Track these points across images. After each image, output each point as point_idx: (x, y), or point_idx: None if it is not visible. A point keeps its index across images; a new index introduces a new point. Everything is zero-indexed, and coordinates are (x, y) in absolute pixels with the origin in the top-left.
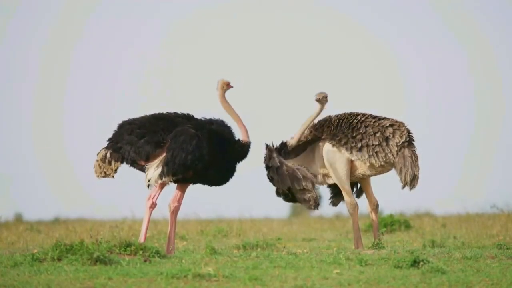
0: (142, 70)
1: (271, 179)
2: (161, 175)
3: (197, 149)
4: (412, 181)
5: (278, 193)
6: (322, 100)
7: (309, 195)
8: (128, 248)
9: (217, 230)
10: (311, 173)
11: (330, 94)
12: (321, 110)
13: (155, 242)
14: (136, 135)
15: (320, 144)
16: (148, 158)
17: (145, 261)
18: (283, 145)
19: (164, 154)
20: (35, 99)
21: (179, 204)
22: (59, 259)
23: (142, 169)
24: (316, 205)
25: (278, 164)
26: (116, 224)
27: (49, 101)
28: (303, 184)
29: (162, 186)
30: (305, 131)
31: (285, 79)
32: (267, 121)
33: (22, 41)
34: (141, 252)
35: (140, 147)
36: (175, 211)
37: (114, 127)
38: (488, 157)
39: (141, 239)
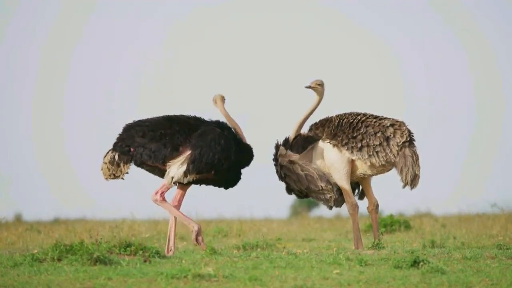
0: (142, 70)
1: (283, 177)
2: (186, 173)
3: (225, 149)
4: (413, 181)
5: (289, 190)
6: (315, 87)
7: (329, 195)
8: (128, 249)
9: (217, 230)
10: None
11: (330, 94)
12: (319, 99)
13: (155, 242)
14: (150, 137)
15: (320, 143)
16: (165, 161)
17: (145, 261)
18: (286, 141)
19: (184, 155)
20: (35, 99)
21: (179, 204)
22: (59, 260)
23: (151, 169)
24: (336, 205)
25: (293, 164)
26: (116, 224)
27: (49, 101)
28: (322, 184)
29: (168, 186)
30: (306, 130)
31: (285, 79)
32: (266, 121)
33: (22, 41)
34: (141, 252)
35: (156, 151)
36: None
37: (115, 127)
38: (488, 157)
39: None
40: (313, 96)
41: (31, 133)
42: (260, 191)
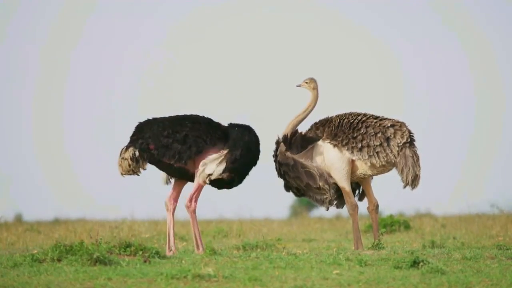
0: (142, 70)
1: (283, 174)
2: (224, 171)
3: (258, 152)
4: (413, 181)
5: (287, 187)
6: (303, 85)
7: (324, 196)
8: (127, 249)
9: (217, 231)
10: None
11: (330, 94)
12: (312, 97)
13: (155, 243)
14: (175, 138)
15: (321, 143)
16: (187, 163)
17: (145, 261)
18: (285, 138)
19: (216, 154)
20: (35, 99)
21: (177, 203)
22: (59, 260)
23: (165, 167)
24: (330, 205)
25: (293, 162)
26: (116, 225)
27: (49, 101)
28: (320, 183)
29: (202, 187)
30: (307, 129)
31: (285, 79)
32: (266, 121)
33: (22, 41)
34: (141, 252)
35: (182, 152)
36: (174, 210)
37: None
38: (488, 157)
39: (200, 250)
40: (306, 100)
41: (31, 133)
42: (260, 191)
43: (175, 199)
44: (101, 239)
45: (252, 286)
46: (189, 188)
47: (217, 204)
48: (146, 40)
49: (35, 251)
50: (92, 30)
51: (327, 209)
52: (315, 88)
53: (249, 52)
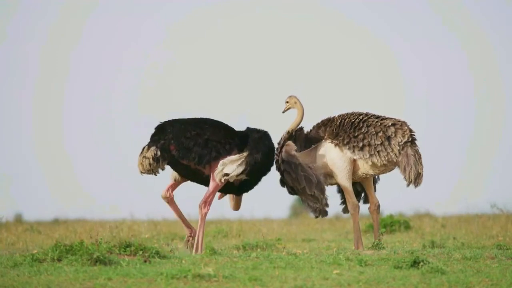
0: (142, 70)
1: (282, 171)
2: (242, 172)
3: (274, 157)
4: (416, 179)
5: (283, 183)
6: (287, 106)
7: (316, 205)
8: (127, 249)
9: (217, 231)
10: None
11: (330, 94)
12: (298, 110)
13: (155, 243)
14: (196, 141)
15: (323, 143)
16: (205, 166)
17: (145, 261)
18: (290, 136)
19: (235, 156)
20: (35, 99)
21: (173, 193)
22: (59, 260)
23: (180, 168)
24: (321, 215)
25: (297, 162)
26: (116, 225)
27: (49, 101)
28: (314, 191)
29: (217, 190)
30: (309, 129)
31: (285, 79)
32: (266, 121)
33: (22, 41)
34: (141, 252)
35: (202, 156)
36: (172, 198)
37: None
38: (488, 157)
39: (199, 252)
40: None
41: (31, 133)
42: (260, 191)
43: (172, 190)
44: (101, 239)
45: (252, 286)
46: (193, 190)
47: (217, 204)
48: (146, 40)
49: (35, 251)
50: (92, 30)
51: (316, 217)
52: (297, 102)
53: (249, 52)
